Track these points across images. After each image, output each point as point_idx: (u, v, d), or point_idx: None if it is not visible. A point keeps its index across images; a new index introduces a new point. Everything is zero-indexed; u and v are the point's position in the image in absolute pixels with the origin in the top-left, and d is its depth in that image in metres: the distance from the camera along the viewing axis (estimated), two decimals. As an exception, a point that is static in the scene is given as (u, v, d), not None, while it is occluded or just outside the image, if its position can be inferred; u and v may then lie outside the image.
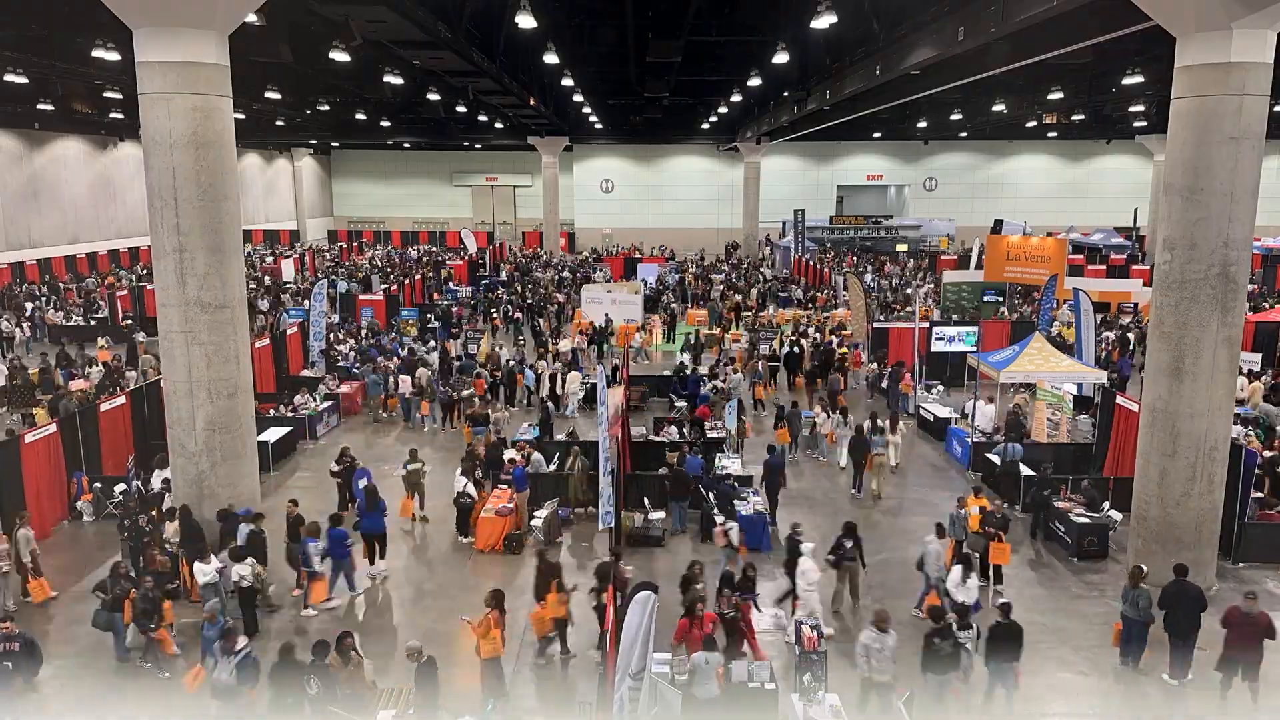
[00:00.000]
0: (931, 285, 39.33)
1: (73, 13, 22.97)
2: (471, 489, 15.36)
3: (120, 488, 15.55)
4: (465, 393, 21.45)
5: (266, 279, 42.40)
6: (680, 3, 23.18)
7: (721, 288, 39.26)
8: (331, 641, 9.92)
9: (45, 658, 10.88)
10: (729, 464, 17.08)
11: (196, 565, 12.02)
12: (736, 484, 15.71)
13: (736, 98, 40.85)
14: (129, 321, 31.50)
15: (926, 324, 25.54)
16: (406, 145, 62.78)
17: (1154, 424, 13.28)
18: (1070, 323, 26.69)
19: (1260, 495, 15.11)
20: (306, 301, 31.06)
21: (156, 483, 15.18)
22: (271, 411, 20.37)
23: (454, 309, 34.19)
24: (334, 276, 41.76)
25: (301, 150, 65.39)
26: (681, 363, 24.48)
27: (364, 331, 29.71)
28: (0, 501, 14.30)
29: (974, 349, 23.81)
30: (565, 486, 16.06)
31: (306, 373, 24.46)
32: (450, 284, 40.89)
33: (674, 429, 19.26)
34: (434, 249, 60.55)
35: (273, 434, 18.75)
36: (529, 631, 12.07)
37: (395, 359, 24.70)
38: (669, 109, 47.94)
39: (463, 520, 15.30)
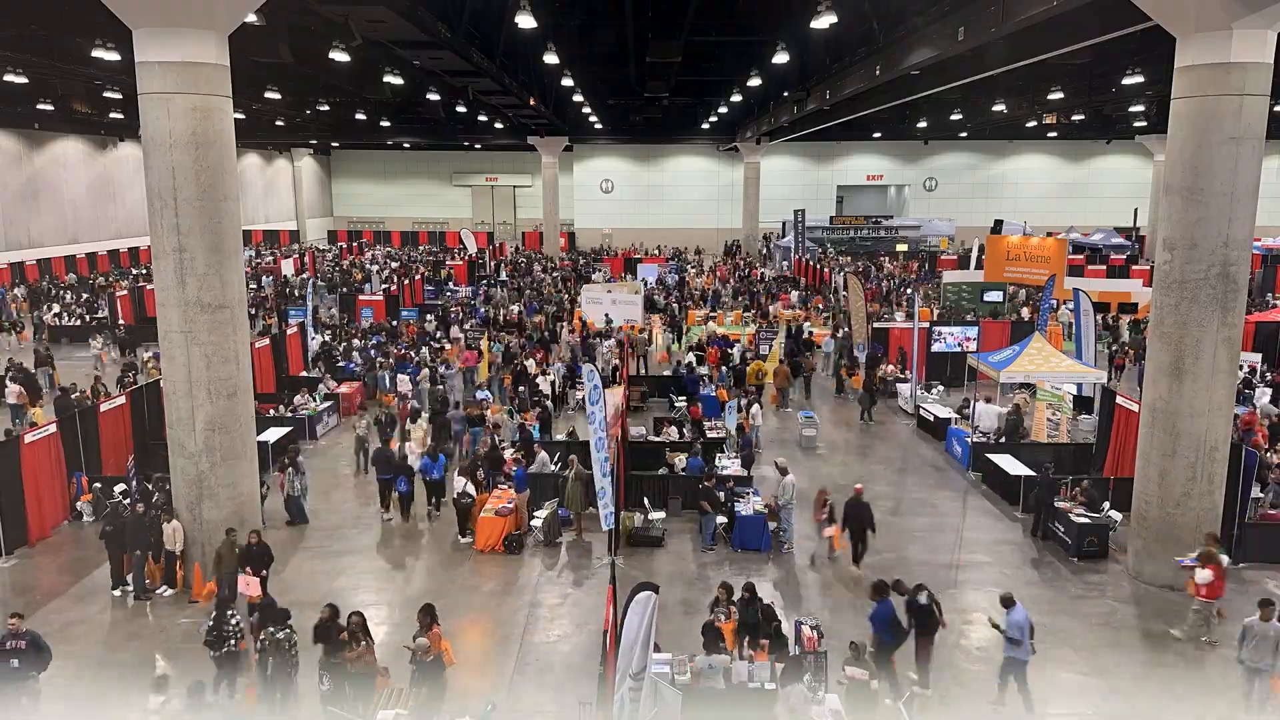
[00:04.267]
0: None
1: (73, 13, 22.97)
2: (471, 489, 15.37)
3: (120, 488, 15.56)
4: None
5: (265, 279, 42.37)
6: (680, 3, 23.17)
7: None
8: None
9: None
10: (729, 464, 17.09)
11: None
12: (736, 485, 15.70)
13: (736, 98, 40.85)
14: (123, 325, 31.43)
15: (926, 324, 25.54)
16: (406, 145, 62.79)
17: (1154, 424, 13.28)
18: (1069, 323, 26.74)
19: (1260, 495, 15.12)
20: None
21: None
22: (271, 411, 20.37)
23: (453, 309, 34.19)
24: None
25: (301, 150, 65.39)
26: (687, 363, 24.53)
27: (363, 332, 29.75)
28: (0, 501, 14.31)
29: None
30: (562, 492, 15.88)
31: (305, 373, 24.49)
32: (450, 284, 40.92)
33: (674, 429, 19.28)
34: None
35: (272, 434, 18.74)
36: (528, 632, 12.08)
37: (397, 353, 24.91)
38: (669, 109, 47.94)
39: (463, 520, 15.31)
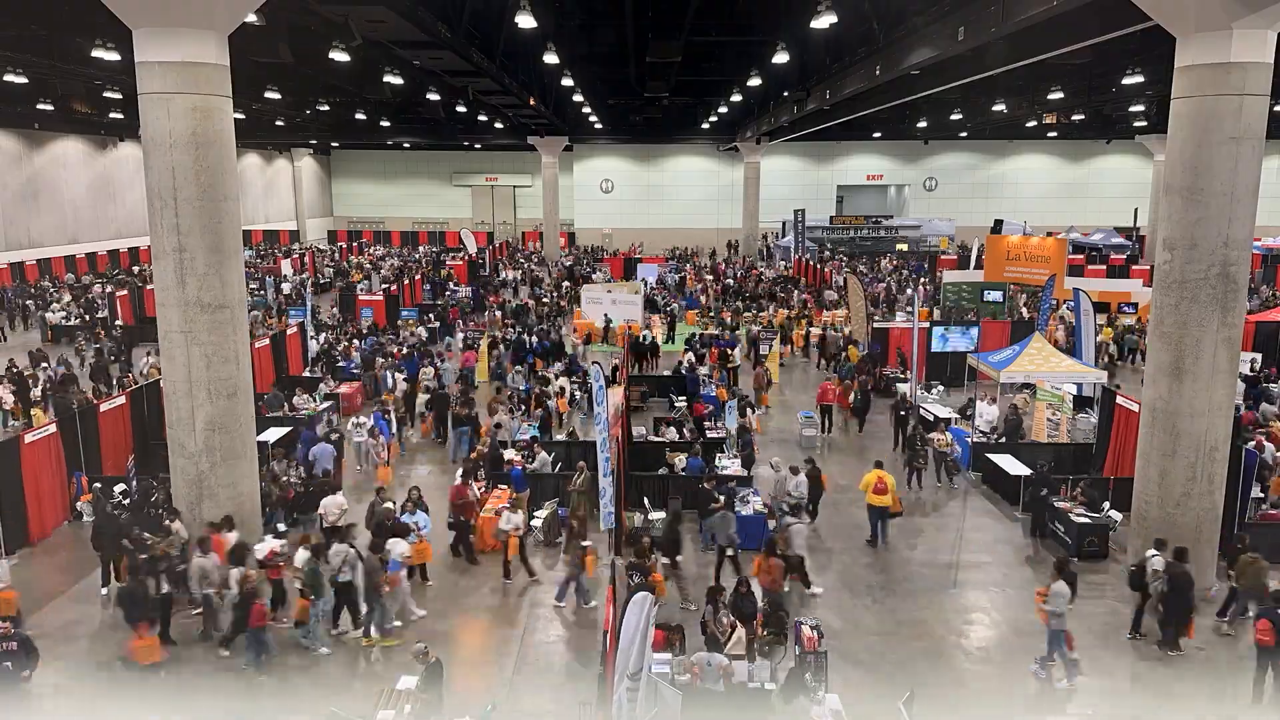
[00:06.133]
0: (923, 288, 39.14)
1: (73, 13, 22.97)
2: (473, 488, 15.34)
3: (120, 487, 15.55)
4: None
5: (268, 279, 42.39)
6: (680, 3, 23.18)
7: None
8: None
9: (46, 658, 10.89)
10: (729, 465, 17.08)
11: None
12: (736, 485, 15.68)
13: (736, 98, 40.84)
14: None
15: (926, 324, 25.53)
16: (406, 145, 62.78)
17: (1154, 424, 13.29)
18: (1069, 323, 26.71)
19: (1261, 495, 15.11)
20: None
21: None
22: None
23: (452, 309, 34.19)
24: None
25: (301, 150, 65.38)
26: (682, 363, 24.51)
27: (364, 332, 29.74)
28: (0, 501, 14.30)
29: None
30: (569, 499, 15.68)
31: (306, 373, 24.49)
32: (450, 284, 40.91)
33: (673, 429, 19.27)
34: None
35: (272, 434, 18.72)
36: (528, 632, 12.08)
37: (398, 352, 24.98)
38: (669, 109, 47.92)
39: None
